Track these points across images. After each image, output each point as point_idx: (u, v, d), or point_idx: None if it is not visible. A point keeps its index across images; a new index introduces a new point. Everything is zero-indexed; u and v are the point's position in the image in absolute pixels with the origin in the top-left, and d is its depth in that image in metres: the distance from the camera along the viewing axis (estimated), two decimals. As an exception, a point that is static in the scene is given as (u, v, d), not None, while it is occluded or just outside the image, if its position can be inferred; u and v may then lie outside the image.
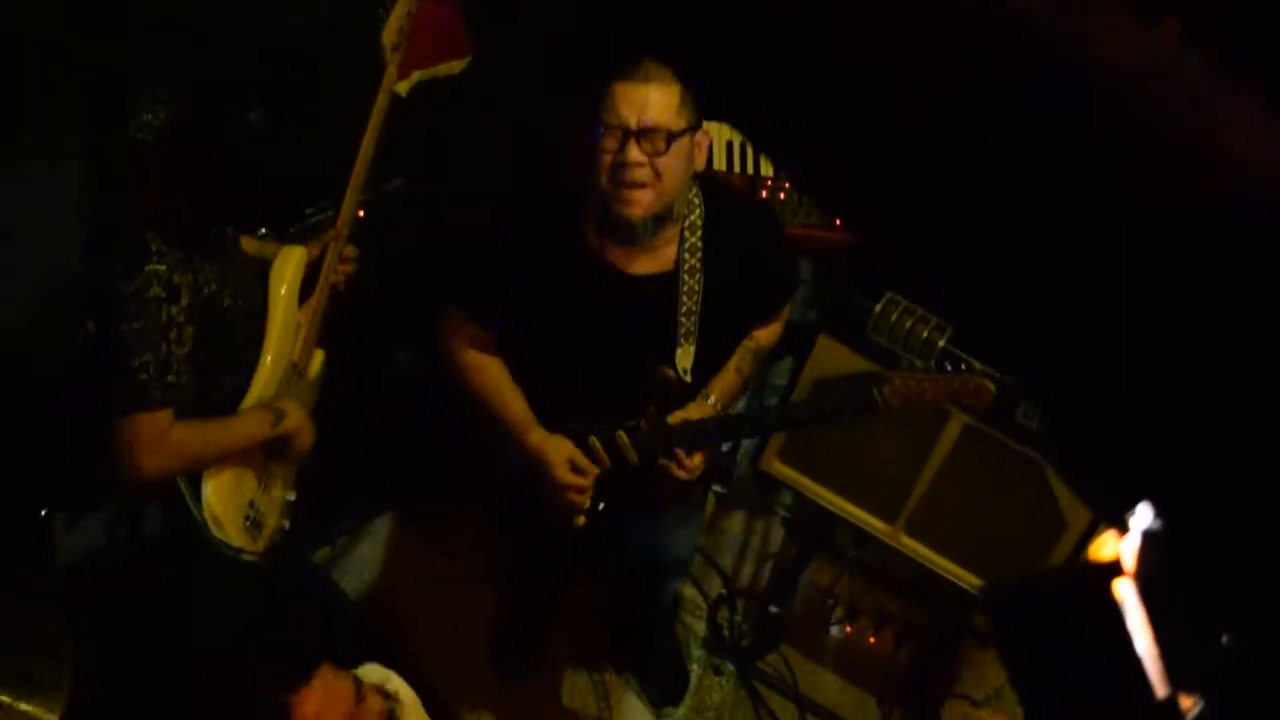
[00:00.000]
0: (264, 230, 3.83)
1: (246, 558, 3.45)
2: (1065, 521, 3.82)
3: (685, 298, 3.45)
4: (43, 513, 4.14)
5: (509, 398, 3.60)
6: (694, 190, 3.45)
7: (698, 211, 3.44)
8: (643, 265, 3.44)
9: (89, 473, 4.03)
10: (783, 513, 5.23)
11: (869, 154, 1.28)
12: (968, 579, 4.20)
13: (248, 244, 3.53)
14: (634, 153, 3.22)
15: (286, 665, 2.49)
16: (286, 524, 3.70)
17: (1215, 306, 1.17)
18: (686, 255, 3.43)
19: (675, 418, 3.54)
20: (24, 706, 3.12)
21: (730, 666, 4.91)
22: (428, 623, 4.75)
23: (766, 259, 3.64)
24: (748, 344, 3.71)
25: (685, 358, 3.51)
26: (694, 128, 3.30)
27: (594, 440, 3.58)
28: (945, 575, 4.22)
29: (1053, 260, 1.25)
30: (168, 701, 3.98)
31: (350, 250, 3.59)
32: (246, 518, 3.45)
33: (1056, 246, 1.22)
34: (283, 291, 3.47)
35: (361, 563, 4.93)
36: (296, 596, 4.50)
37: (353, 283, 3.65)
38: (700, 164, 3.41)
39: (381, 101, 3.41)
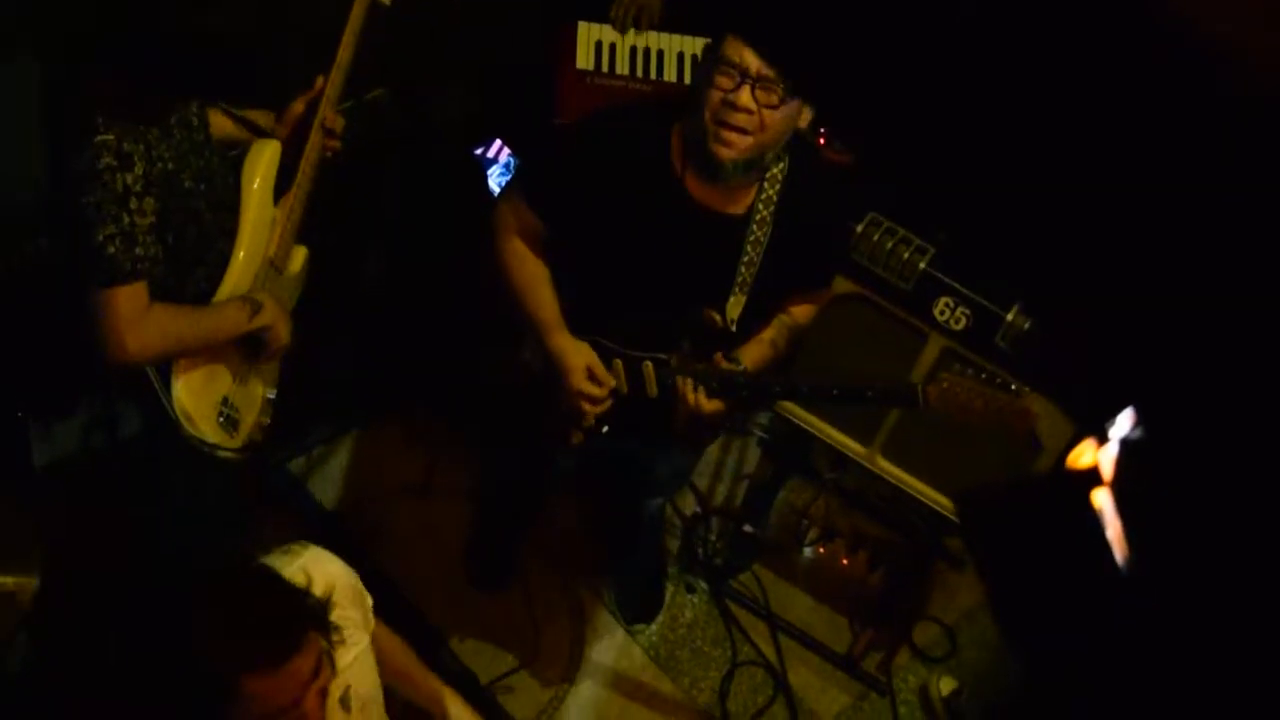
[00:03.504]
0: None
1: (223, 454, 3.43)
2: (1041, 445, 3.83)
3: (750, 248, 3.42)
4: (18, 415, 4.12)
5: (544, 297, 3.58)
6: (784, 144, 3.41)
7: (780, 165, 3.38)
8: (718, 202, 3.39)
9: (61, 378, 4.02)
10: (759, 433, 5.24)
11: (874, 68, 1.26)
12: (943, 502, 4.21)
13: (218, 122, 3.48)
14: (746, 97, 3.15)
15: (258, 646, 2.47)
16: (266, 421, 3.68)
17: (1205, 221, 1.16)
18: (760, 206, 3.39)
19: (722, 364, 3.52)
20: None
21: (703, 585, 4.93)
22: (402, 533, 4.75)
23: (831, 230, 3.64)
24: (784, 319, 3.67)
25: (735, 307, 3.49)
26: None
27: (618, 363, 3.56)
28: (920, 498, 4.23)
29: (1042, 172, 1.24)
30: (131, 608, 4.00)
31: (337, 120, 3.56)
32: (220, 414, 3.43)
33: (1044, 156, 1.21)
34: (255, 185, 3.43)
35: (336, 473, 4.93)
36: (272, 503, 4.52)
37: (339, 158, 3.61)
38: (803, 124, 3.35)
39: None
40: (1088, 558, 1.36)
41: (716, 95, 3.18)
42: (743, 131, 3.20)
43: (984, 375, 3.37)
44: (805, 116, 3.32)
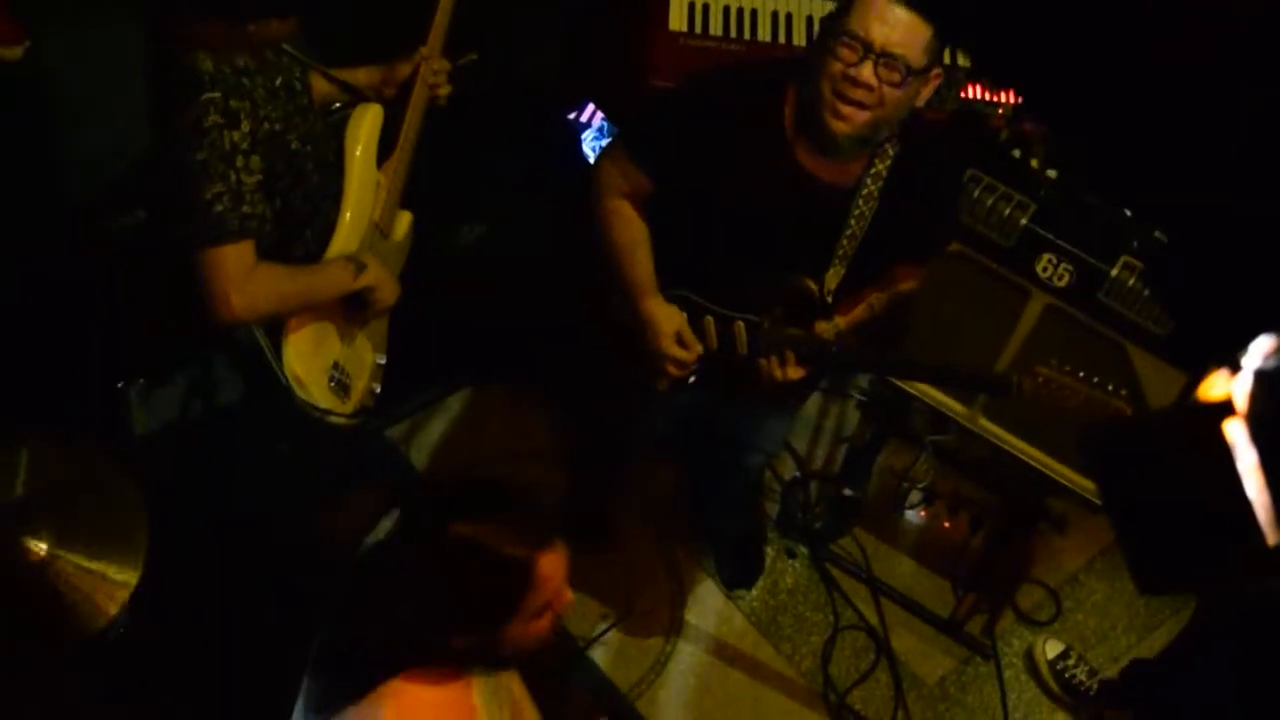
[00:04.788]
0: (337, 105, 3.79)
1: (335, 419, 3.43)
2: (1147, 403, 3.76)
3: (854, 221, 3.37)
4: (118, 384, 4.16)
5: (640, 259, 3.53)
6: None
7: (894, 143, 3.32)
8: (826, 172, 3.33)
9: (160, 345, 4.05)
10: (858, 395, 5.19)
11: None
12: (1046, 462, 4.15)
13: (316, 85, 3.48)
14: (868, 72, 3.08)
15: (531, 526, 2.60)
16: (377, 387, 3.68)
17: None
18: (869, 181, 3.33)
19: (819, 330, 3.49)
20: (98, 567, 3.18)
21: (803, 549, 4.90)
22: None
23: (939, 207, 3.56)
24: (887, 286, 3.64)
25: (834, 279, 3.45)
26: (930, 69, 3.16)
27: (709, 321, 3.53)
28: (1023, 459, 4.18)
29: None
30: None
31: (442, 63, 3.58)
32: (331, 379, 3.42)
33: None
34: (359, 150, 3.44)
35: (434, 439, 4.94)
36: (370, 470, 4.54)
37: (450, 98, 3.66)
38: (922, 103, 3.28)
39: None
40: (1217, 490, 1.32)
41: (837, 67, 3.10)
42: (861, 106, 3.12)
43: (1081, 374, 3.30)
44: (924, 95, 3.25)
